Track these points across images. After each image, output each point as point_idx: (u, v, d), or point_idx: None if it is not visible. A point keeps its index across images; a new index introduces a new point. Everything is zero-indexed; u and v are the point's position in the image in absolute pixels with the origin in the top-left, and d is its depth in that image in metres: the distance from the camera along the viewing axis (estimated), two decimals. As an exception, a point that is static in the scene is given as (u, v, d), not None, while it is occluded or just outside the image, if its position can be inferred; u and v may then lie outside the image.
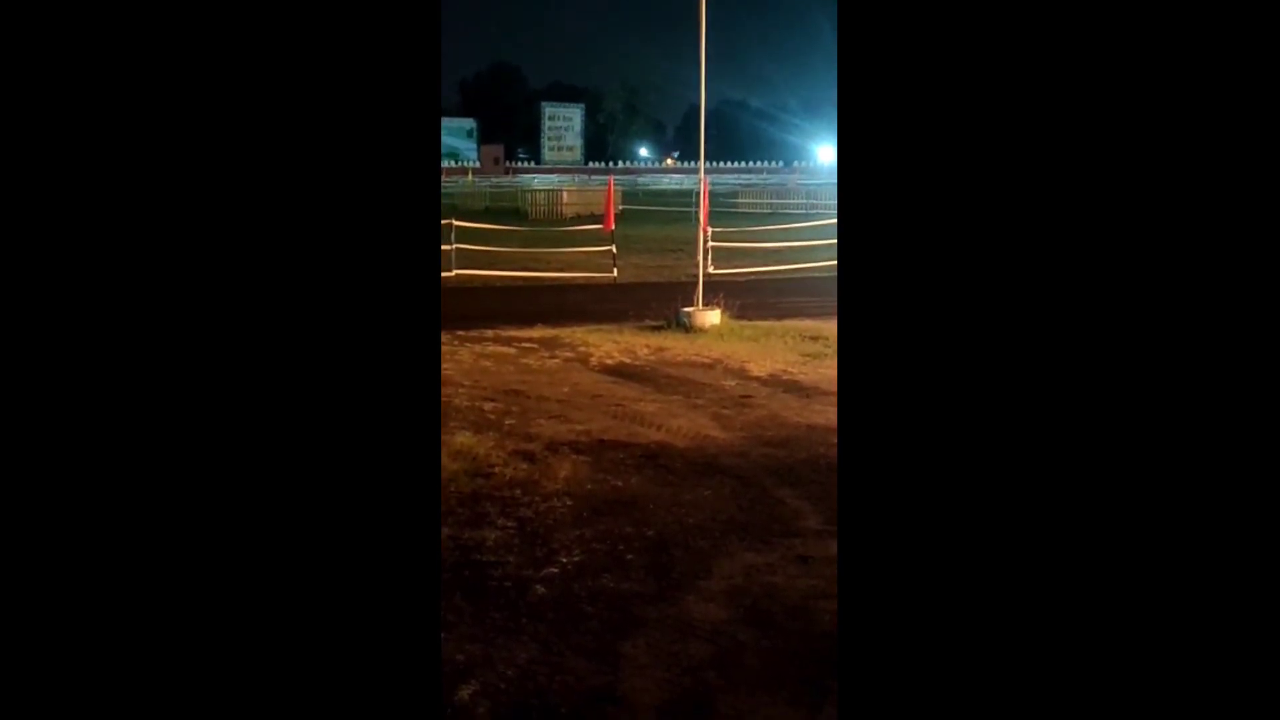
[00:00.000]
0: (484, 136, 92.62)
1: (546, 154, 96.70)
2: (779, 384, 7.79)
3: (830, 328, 10.31)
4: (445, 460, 5.35)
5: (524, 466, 5.53)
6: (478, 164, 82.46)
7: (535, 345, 9.47)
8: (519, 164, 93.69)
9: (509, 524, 4.65)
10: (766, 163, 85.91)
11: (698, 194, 11.99)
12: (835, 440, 6.07)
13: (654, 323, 10.75)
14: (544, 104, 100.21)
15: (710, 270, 12.60)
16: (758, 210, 32.98)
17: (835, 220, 18.66)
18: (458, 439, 5.89)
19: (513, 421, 6.55)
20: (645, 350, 9.20)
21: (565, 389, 7.59)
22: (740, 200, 35.74)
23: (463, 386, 7.55)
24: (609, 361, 8.70)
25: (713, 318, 10.54)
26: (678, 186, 52.36)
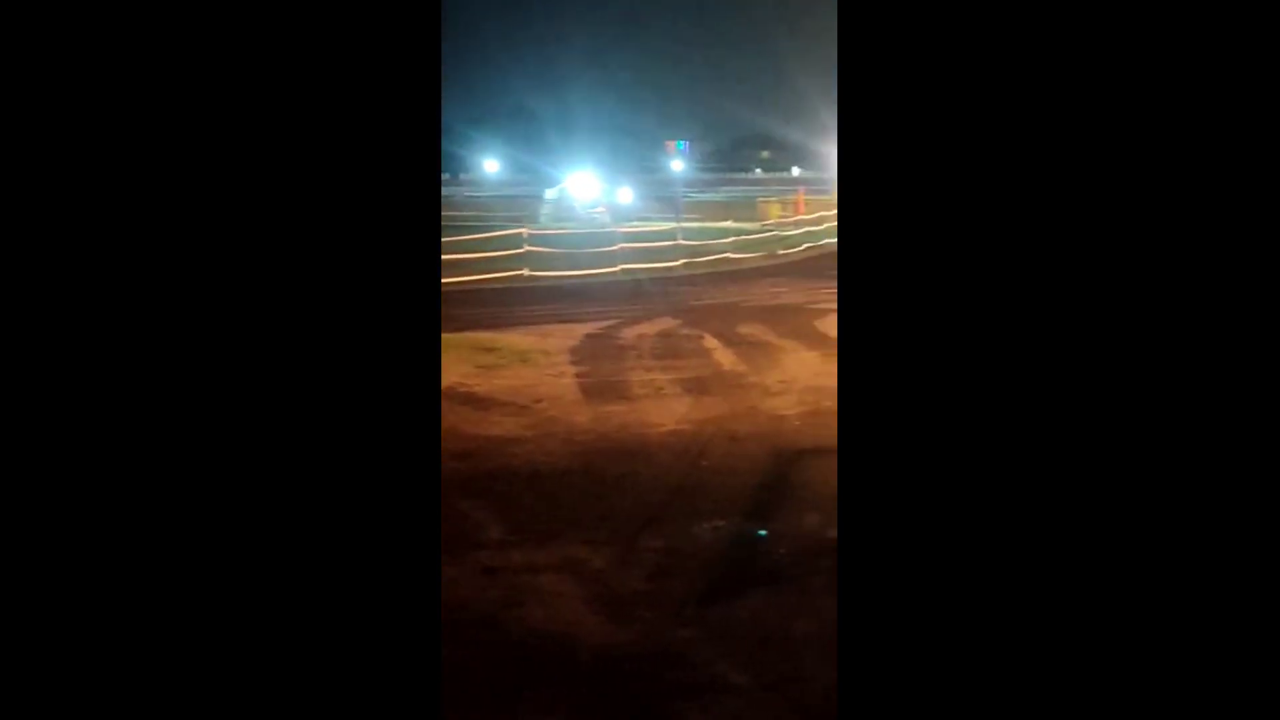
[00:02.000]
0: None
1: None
2: (455, 396, 7.75)
3: (505, 339, 10.38)
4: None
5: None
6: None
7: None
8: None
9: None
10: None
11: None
12: (515, 450, 6.16)
13: (323, 339, 10.37)
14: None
15: (380, 283, 12.29)
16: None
17: (506, 233, 18.85)
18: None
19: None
20: (315, 368, 8.87)
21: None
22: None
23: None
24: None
25: (385, 332, 10.30)
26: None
